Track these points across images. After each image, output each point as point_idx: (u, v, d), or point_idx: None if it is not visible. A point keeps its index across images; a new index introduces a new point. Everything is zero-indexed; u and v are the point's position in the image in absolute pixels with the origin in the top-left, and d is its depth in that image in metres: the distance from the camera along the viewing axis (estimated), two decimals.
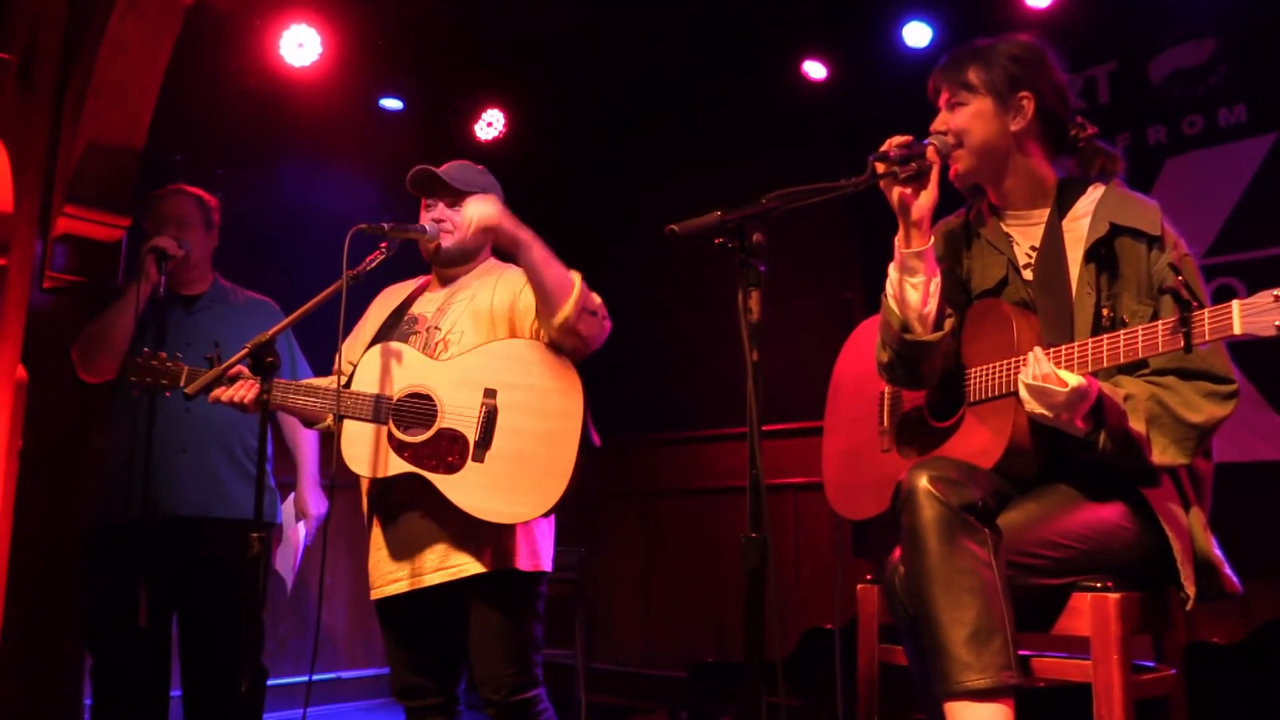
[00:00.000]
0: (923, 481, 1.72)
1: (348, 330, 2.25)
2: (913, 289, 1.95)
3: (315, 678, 4.75)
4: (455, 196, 2.47)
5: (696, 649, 4.75)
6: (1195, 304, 1.61)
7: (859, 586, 2.17)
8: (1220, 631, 3.26)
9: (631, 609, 5.31)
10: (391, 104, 5.10)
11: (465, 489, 2.21)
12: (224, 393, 2.32)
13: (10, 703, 3.16)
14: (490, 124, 5.23)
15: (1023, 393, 1.76)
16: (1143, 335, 1.68)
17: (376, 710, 4.86)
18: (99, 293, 3.34)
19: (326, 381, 2.42)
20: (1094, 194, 1.98)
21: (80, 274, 3.42)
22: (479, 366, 2.28)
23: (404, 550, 2.29)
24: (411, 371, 2.30)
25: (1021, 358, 1.82)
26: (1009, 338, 1.91)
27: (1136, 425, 1.75)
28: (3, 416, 3.57)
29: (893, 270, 1.97)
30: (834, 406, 2.41)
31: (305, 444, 3.13)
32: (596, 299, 2.32)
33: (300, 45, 4.37)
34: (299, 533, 3.05)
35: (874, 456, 2.19)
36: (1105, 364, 1.73)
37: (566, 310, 2.24)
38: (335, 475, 2.33)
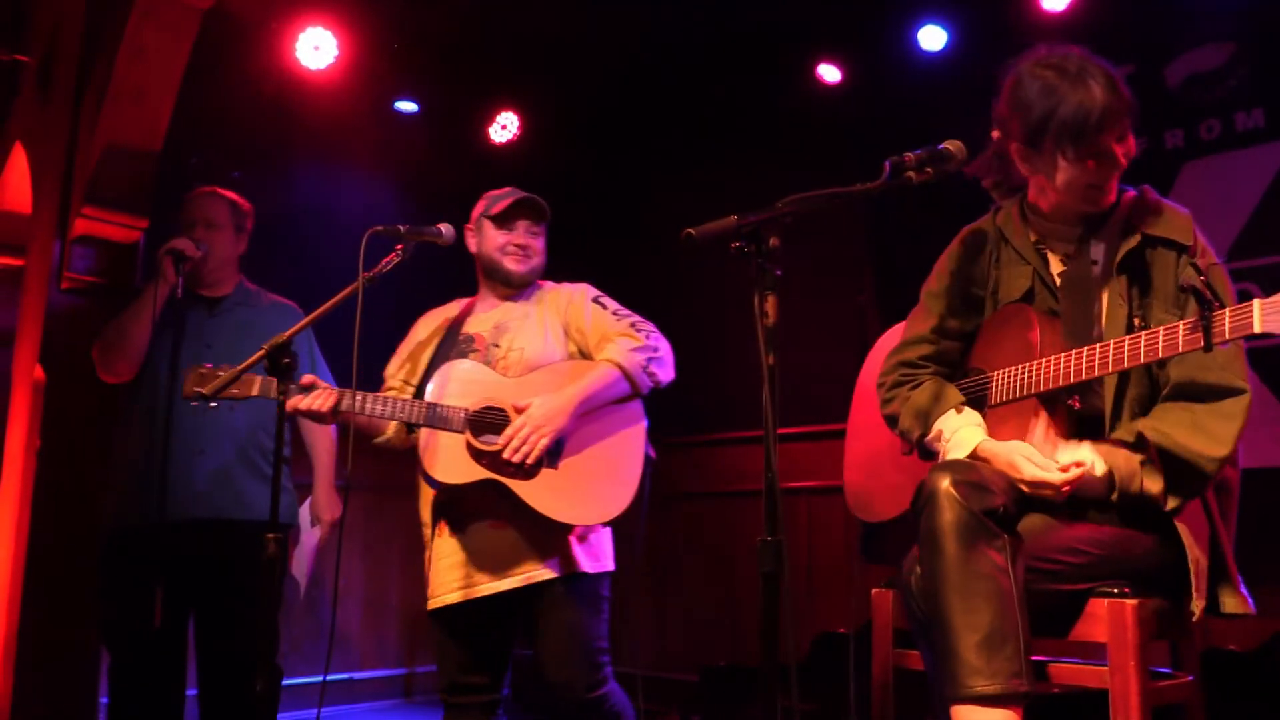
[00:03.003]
0: (945, 484, 1.71)
1: (364, 333, 2.28)
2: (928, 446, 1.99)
3: (329, 678, 4.76)
4: (539, 220, 2.62)
5: (710, 652, 4.74)
6: (1216, 304, 1.60)
7: (874, 591, 2.16)
8: (1237, 638, 3.24)
9: (645, 612, 5.31)
10: (406, 107, 5.12)
11: (540, 492, 2.33)
12: (301, 401, 2.35)
13: (29, 701, 3.18)
14: (504, 127, 5.23)
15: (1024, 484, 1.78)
16: (1164, 335, 1.67)
17: (389, 711, 4.88)
18: (117, 294, 3.36)
19: (392, 394, 2.52)
20: (1124, 201, 1.97)
21: (98, 275, 3.44)
22: (547, 382, 2.42)
23: (475, 557, 2.39)
24: (483, 387, 2.43)
25: (1045, 361, 1.83)
26: (1032, 342, 1.91)
27: (1152, 486, 1.76)
28: (21, 416, 3.60)
29: (943, 437, 1.93)
30: (857, 411, 2.41)
31: (323, 447, 3.12)
32: (638, 358, 2.46)
33: (316, 48, 4.39)
34: (314, 536, 3.06)
35: (895, 459, 2.19)
36: (1126, 364, 1.73)
37: (636, 392, 2.47)
38: (350, 477, 2.38)
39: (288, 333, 2.21)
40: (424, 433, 2.39)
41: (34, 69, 4.24)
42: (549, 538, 2.36)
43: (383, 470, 4.77)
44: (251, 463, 2.92)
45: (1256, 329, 1.54)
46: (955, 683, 1.62)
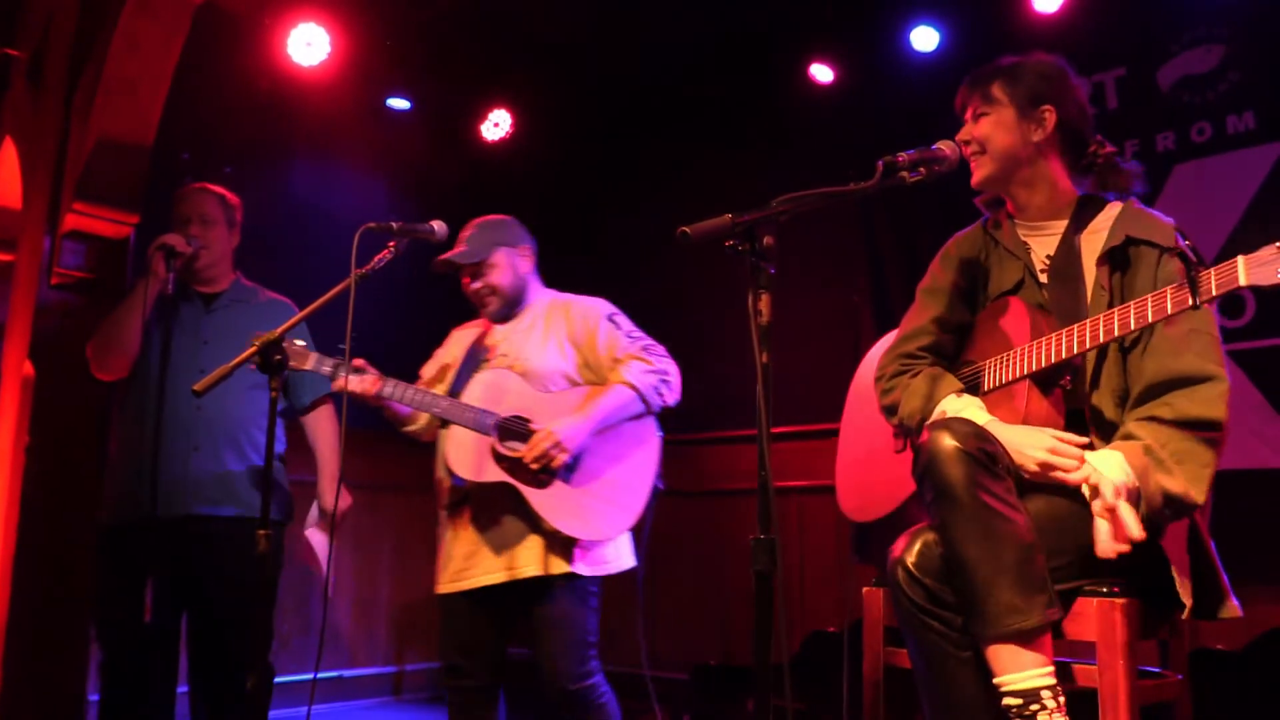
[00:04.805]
0: (946, 438, 1.72)
1: (356, 329, 2.29)
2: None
3: (319, 675, 4.75)
4: (476, 266, 2.69)
5: (700, 651, 4.75)
6: (1200, 266, 1.63)
7: (865, 590, 2.17)
8: (1225, 638, 3.26)
9: (635, 611, 5.30)
10: (399, 104, 5.11)
11: (550, 503, 2.49)
12: (347, 381, 2.48)
13: (17, 697, 3.17)
14: (497, 124, 5.21)
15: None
16: (1152, 301, 1.70)
17: (379, 709, 4.87)
18: (108, 290, 3.34)
19: (434, 388, 2.69)
20: (1111, 211, 2.02)
21: (89, 271, 3.43)
22: (573, 401, 2.58)
23: (479, 551, 2.53)
24: (517, 397, 2.58)
25: (1035, 343, 1.86)
26: (1025, 328, 1.94)
27: (1172, 486, 1.73)
28: (10, 412, 3.58)
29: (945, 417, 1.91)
30: (851, 413, 2.41)
31: (326, 445, 3.10)
32: (651, 379, 2.61)
33: (308, 44, 4.37)
34: (323, 533, 3.03)
35: (888, 457, 2.20)
36: (1117, 332, 1.75)
37: (648, 410, 2.63)
38: (342, 475, 2.52)
39: (279, 329, 2.20)
40: (453, 429, 2.53)
41: (25, 63, 4.22)
42: (551, 542, 2.49)
43: (374, 468, 4.79)
44: (246, 459, 2.91)
45: (1242, 281, 1.58)
46: (990, 622, 1.64)
